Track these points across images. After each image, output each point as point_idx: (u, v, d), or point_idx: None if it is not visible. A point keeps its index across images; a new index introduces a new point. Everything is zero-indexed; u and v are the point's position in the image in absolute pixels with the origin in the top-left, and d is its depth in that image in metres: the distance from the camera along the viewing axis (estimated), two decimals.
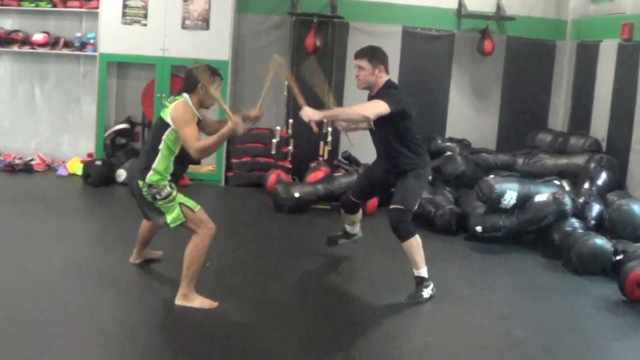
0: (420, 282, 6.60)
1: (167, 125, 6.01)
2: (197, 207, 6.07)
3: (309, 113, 6.22)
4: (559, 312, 6.57)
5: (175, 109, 6.02)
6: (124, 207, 9.54)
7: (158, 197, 5.98)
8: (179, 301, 6.06)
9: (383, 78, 6.61)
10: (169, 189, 6.00)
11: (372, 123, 6.44)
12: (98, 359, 5.08)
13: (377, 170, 7.09)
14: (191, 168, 10.86)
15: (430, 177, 8.77)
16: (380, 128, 6.55)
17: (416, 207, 6.74)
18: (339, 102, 11.05)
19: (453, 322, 6.18)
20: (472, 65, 11.96)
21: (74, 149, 11.95)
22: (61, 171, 11.39)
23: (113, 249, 7.61)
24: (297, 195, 9.62)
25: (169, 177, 6.06)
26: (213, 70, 6.19)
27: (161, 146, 6.03)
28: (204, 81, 6.03)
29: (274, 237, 8.58)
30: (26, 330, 5.37)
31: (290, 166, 11.25)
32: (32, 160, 11.60)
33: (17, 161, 11.41)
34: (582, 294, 7.13)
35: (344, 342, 5.63)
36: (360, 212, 7.60)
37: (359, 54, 6.67)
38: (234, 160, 11.26)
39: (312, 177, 10.40)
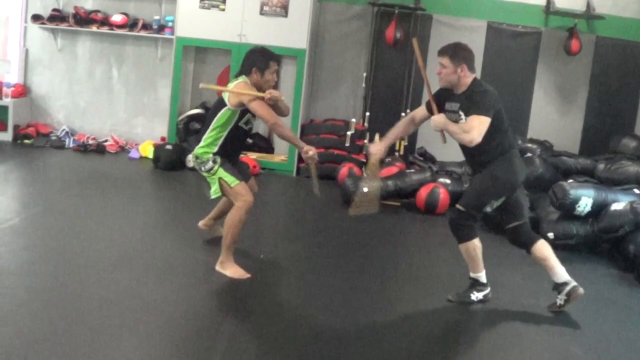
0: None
1: (223, 104, 6.26)
2: (234, 182, 6.26)
3: (440, 122, 6.11)
4: (625, 332, 6.14)
5: (234, 87, 6.23)
6: (190, 192, 9.57)
7: (203, 168, 6.34)
8: (217, 267, 6.37)
9: (468, 77, 6.13)
10: (211, 163, 6.29)
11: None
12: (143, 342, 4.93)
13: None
14: (263, 157, 10.88)
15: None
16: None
17: (485, 209, 6.37)
18: (419, 98, 10.86)
19: (509, 333, 5.87)
20: (558, 65, 11.63)
21: (149, 132, 12.00)
22: (133, 153, 11.39)
23: (174, 232, 7.60)
24: (365, 190, 9.33)
25: (217, 151, 6.31)
26: (269, 55, 6.33)
27: (213, 124, 6.32)
28: (258, 65, 6.25)
29: (334, 232, 8.34)
30: (86, 309, 5.33)
31: (364, 160, 10.98)
32: (105, 141, 11.66)
33: (90, 141, 11.44)
34: None
35: (382, 343, 5.37)
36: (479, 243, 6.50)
37: (441, 51, 6.24)
38: None
39: (385, 172, 10.12)
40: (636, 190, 8.64)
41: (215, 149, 6.29)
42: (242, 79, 6.26)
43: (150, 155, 11.00)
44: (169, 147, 10.76)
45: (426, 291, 6.70)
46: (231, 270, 6.30)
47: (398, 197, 9.83)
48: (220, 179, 6.26)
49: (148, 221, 8.07)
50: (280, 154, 11.44)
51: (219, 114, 6.26)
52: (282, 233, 8.23)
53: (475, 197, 6.25)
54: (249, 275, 6.29)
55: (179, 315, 5.42)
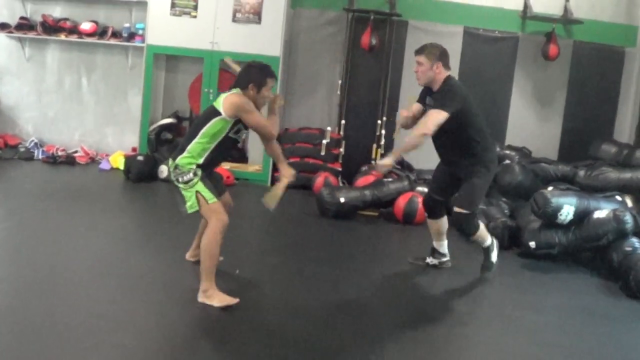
0: (488, 249, 7.18)
1: (216, 113, 5.89)
2: (212, 199, 5.86)
3: (385, 164, 6.60)
4: (611, 343, 5.97)
5: (232, 97, 5.92)
6: (162, 205, 9.33)
7: (180, 179, 5.89)
8: (201, 298, 5.81)
9: (442, 74, 6.61)
10: (191, 175, 5.87)
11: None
12: None
13: (446, 170, 7.09)
14: (237, 167, 10.73)
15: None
16: (443, 132, 6.48)
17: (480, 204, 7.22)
18: (395, 106, 10.75)
19: (493, 347, 5.65)
20: (536, 70, 11.51)
21: (119, 142, 11.76)
22: (103, 165, 11.15)
23: (145, 247, 7.34)
24: (342, 200, 9.17)
25: (200, 163, 5.93)
26: (267, 71, 6.07)
27: (203, 131, 5.91)
28: (255, 81, 5.97)
29: (312, 244, 8.13)
30: (53, 329, 5.07)
31: (340, 169, 10.85)
32: (75, 152, 11.44)
33: (59, 153, 11.20)
34: None
35: None
36: (446, 219, 7.32)
37: (418, 50, 6.72)
38: None
39: (361, 181, 9.99)
40: (618, 197, 8.55)
41: (201, 160, 5.92)
42: (237, 91, 5.97)
43: (122, 166, 10.73)
44: (140, 158, 10.52)
45: (407, 303, 6.54)
46: (218, 298, 5.75)
47: (375, 207, 9.62)
48: (197, 192, 5.84)
49: (118, 235, 7.77)
50: (255, 164, 11.22)
51: (210, 123, 5.88)
52: (257, 246, 8.01)
53: (475, 197, 6.81)
54: (237, 301, 5.76)
55: (150, 335, 5.19)
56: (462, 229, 7.01)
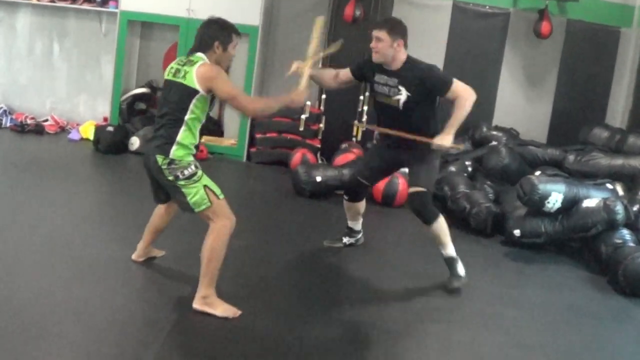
0: (452, 261, 6.35)
1: (194, 92, 5.14)
2: (222, 194, 5.24)
3: (446, 144, 6.02)
4: (598, 344, 5.62)
5: (203, 70, 5.15)
6: (131, 179, 8.95)
7: (180, 176, 5.12)
8: (198, 305, 5.19)
9: (402, 53, 6.20)
10: (193, 167, 5.16)
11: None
12: None
13: (388, 148, 6.61)
14: (211, 141, 10.40)
15: (470, 169, 9.13)
16: (413, 104, 6.19)
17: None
18: None
19: (470, 348, 5.27)
20: (527, 48, 11.12)
21: (91, 111, 11.42)
22: (73, 135, 10.75)
23: (107, 227, 6.92)
24: (318, 179, 8.78)
25: (194, 152, 5.25)
26: (231, 27, 5.43)
27: (188, 116, 5.17)
28: (220, 38, 5.31)
29: (284, 226, 7.75)
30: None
31: (319, 146, 10.47)
32: (45, 120, 11.04)
33: (28, 121, 10.78)
34: (628, 321, 6.15)
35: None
36: (364, 203, 6.98)
37: (379, 25, 6.26)
38: (258, 136, 10.50)
39: (341, 159, 9.59)
40: (609, 186, 8.20)
41: (193, 148, 5.24)
42: (200, 58, 5.25)
43: (92, 137, 10.30)
44: (110, 128, 10.09)
45: (382, 288, 6.23)
46: (221, 308, 5.17)
47: None
48: (205, 187, 5.16)
49: (79, 212, 7.32)
50: (230, 138, 10.81)
51: (191, 104, 5.15)
52: None
53: (430, 176, 6.38)
54: (240, 312, 5.20)
55: (100, 328, 4.77)
56: (420, 213, 6.24)
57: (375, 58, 6.23)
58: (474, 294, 6.28)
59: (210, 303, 5.17)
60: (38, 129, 10.77)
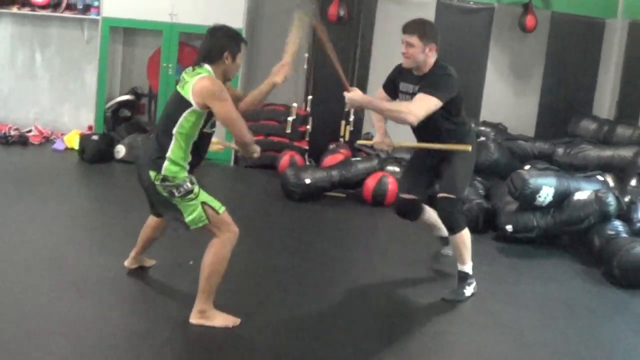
0: (465, 278, 6.06)
1: (186, 104, 4.91)
2: (222, 209, 5.04)
3: (354, 97, 5.63)
4: (595, 337, 5.57)
5: (201, 82, 4.91)
6: (118, 188, 8.89)
7: (176, 193, 4.90)
8: (195, 319, 5.05)
9: (433, 58, 5.79)
10: (189, 184, 4.92)
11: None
12: None
13: (422, 160, 6.30)
14: None
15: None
16: (429, 118, 5.66)
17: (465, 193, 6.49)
18: (364, 80, 10.40)
19: (465, 347, 5.25)
20: (512, 43, 11.10)
21: (76, 120, 11.27)
22: (58, 145, 10.66)
23: (93, 238, 6.77)
24: (307, 181, 8.72)
25: (187, 168, 5.00)
26: (239, 36, 5.25)
27: (176, 130, 4.93)
28: (229, 48, 5.07)
29: (274, 230, 7.68)
30: None
31: (307, 147, 10.41)
32: (29, 131, 10.90)
33: (12, 132, 10.64)
34: (624, 313, 6.11)
35: None
36: (431, 211, 6.44)
37: (410, 29, 5.78)
38: None
39: (329, 160, 9.55)
40: (600, 177, 8.21)
41: (186, 165, 4.98)
42: (205, 70, 4.99)
43: (77, 146, 10.20)
44: (95, 137, 9.99)
45: (375, 297, 6.11)
46: (219, 319, 5.05)
47: (343, 188, 9.21)
48: (203, 204, 4.96)
49: (64, 224, 7.24)
50: (217, 142, 10.69)
51: (181, 119, 4.91)
52: None
53: (461, 181, 6.04)
54: (239, 320, 5.12)
55: (89, 343, 4.67)
56: (447, 220, 6.02)
57: (407, 64, 5.87)
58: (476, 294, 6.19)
59: (208, 316, 5.05)
60: (22, 140, 10.63)
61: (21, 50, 11.27)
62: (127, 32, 11.10)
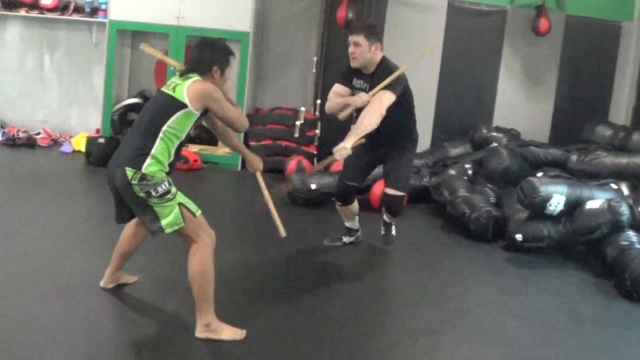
0: (392, 224, 7.20)
1: (180, 105, 4.85)
2: (198, 211, 4.89)
3: (342, 151, 6.08)
4: (604, 353, 5.37)
5: (195, 86, 4.87)
6: None
7: (153, 193, 4.73)
8: (201, 334, 4.89)
9: (379, 56, 6.40)
10: (167, 184, 4.77)
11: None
12: None
13: (368, 151, 6.80)
14: (205, 150, 10.23)
15: (470, 172, 9.24)
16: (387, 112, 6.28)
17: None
18: None
19: (463, 355, 5.08)
20: (526, 47, 10.97)
21: (84, 123, 11.30)
22: (65, 147, 10.67)
23: (93, 243, 6.67)
24: (313, 187, 8.59)
25: (166, 170, 4.86)
26: (229, 50, 5.17)
27: (165, 129, 4.82)
28: (219, 62, 5.02)
29: (277, 237, 7.49)
30: None
31: (315, 152, 10.28)
32: (38, 134, 10.91)
33: (20, 134, 10.68)
34: (636, 327, 5.89)
35: None
36: (357, 203, 7.21)
37: (356, 30, 6.41)
38: (252, 143, 10.29)
39: (337, 165, 9.33)
40: (613, 186, 8.00)
41: (167, 165, 4.86)
42: (196, 77, 4.94)
43: (84, 149, 10.16)
44: (101, 140, 9.96)
45: (381, 301, 6.05)
46: (226, 332, 4.91)
47: None
48: (180, 205, 4.81)
49: (65, 227, 7.14)
50: (224, 147, 10.59)
51: (173, 118, 4.84)
52: (220, 238, 7.35)
53: (407, 176, 6.86)
54: (245, 332, 4.99)
55: (82, 352, 4.56)
56: (392, 211, 6.91)
57: (354, 64, 6.40)
58: (473, 303, 6.09)
59: (214, 329, 4.91)
60: (30, 143, 10.66)
61: (29, 53, 11.30)
62: (135, 35, 11.03)
